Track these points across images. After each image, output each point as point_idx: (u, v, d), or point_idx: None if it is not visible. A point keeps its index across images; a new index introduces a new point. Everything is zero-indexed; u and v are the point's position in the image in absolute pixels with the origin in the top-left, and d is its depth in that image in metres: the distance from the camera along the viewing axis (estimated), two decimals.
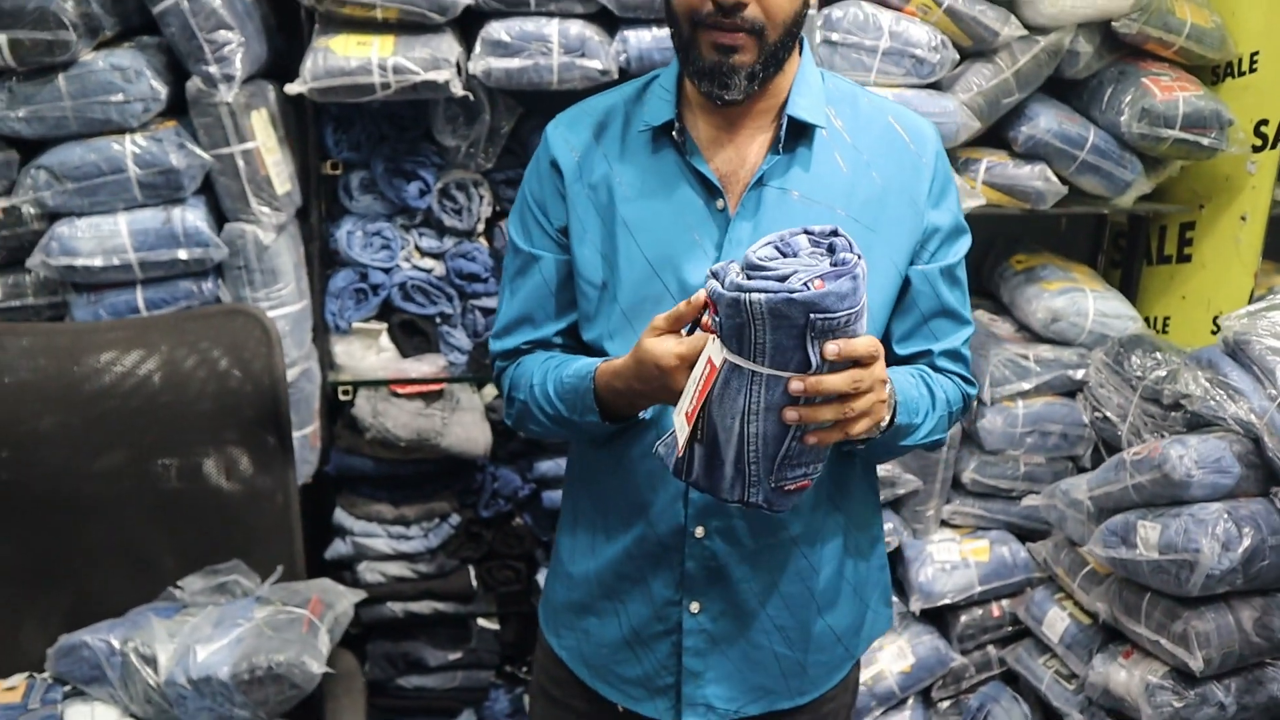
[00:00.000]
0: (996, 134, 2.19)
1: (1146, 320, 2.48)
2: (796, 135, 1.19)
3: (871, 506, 1.34)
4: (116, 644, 1.46)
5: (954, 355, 1.26)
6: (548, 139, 1.27)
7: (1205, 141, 2.14)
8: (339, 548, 2.12)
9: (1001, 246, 2.51)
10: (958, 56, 2.03)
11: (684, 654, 1.25)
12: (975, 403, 2.20)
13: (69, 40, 1.60)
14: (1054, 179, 2.14)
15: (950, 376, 1.26)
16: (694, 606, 1.25)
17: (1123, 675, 1.89)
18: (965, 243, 1.27)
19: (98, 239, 1.70)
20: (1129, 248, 2.53)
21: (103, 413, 1.63)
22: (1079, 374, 2.23)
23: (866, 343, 0.94)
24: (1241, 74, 2.25)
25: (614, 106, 1.26)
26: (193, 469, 1.68)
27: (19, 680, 1.49)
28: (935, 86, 2.07)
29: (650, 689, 1.28)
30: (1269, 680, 1.78)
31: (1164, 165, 2.27)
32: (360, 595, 1.69)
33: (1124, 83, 2.15)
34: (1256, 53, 2.22)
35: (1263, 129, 2.21)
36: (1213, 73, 2.31)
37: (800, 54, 1.21)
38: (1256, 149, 2.22)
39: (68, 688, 1.50)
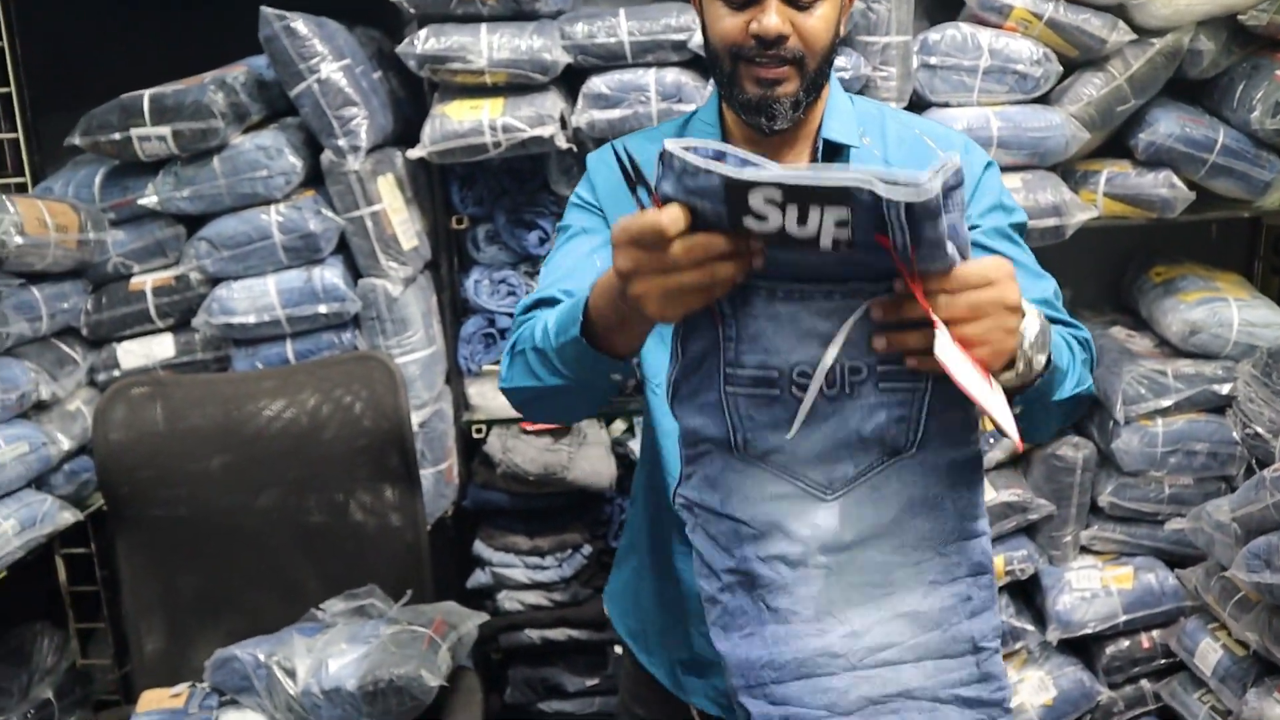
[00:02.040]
0: (1121, 143, 2.13)
1: None
2: (831, 156, 1.23)
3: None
4: (262, 657, 1.63)
5: (1045, 304, 1.16)
6: (589, 169, 1.30)
7: None
8: (479, 577, 2.26)
9: (1142, 258, 2.40)
10: (1061, 69, 1.99)
11: None
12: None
13: (219, 128, 1.84)
14: (1180, 185, 2.05)
15: (1067, 326, 1.16)
16: None
17: (1276, 710, 1.76)
18: (1017, 216, 1.23)
19: (250, 299, 1.92)
20: None
21: (259, 453, 1.84)
22: (1225, 388, 2.10)
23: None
24: None
25: (654, 139, 1.31)
26: (334, 503, 1.86)
27: (183, 689, 1.69)
28: (1043, 100, 2.03)
29: (715, 688, 1.30)
30: None
31: None
32: (482, 617, 1.80)
33: (1256, 77, 2.04)
34: None
35: None
36: None
37: (832, 83, 1.25)
38: None
39: (225, 696, 1.68)
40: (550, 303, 1.18)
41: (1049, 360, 0.94)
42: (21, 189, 2.08)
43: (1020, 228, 1.24)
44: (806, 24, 1.13)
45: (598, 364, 1.03)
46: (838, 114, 1.23)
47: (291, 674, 1.61)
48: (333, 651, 1.62)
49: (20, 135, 2.08)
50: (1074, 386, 1.08)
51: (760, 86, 1.16)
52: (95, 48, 2.17)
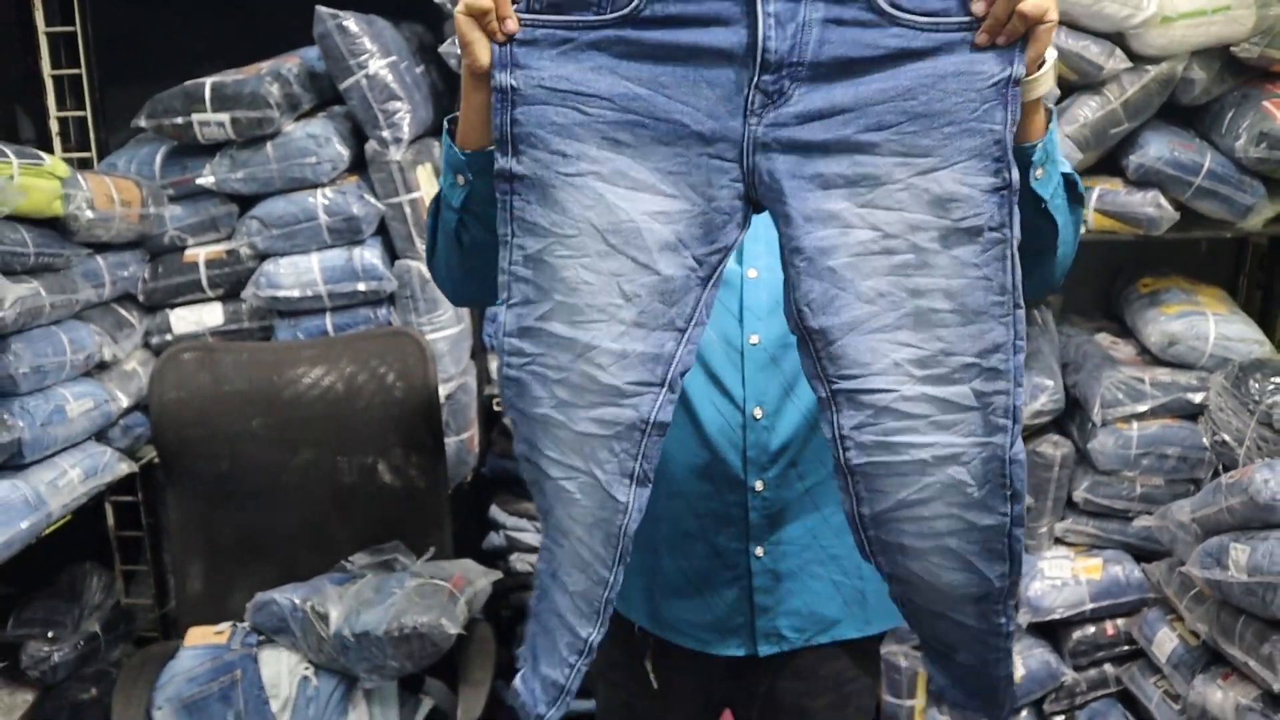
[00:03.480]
0: (1113, 162, 2.25)
1: None
2: None
3: None
4: (298, 601, 1.81)
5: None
6: None
7: None
8: (494, 540, 2.43)
9: (1132, 270, 2.53)
10: (1059, 92, 2.11)
11: (754, 593, 1.37)
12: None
13: (274, 117, 1.99)
14: (1166, 206, 2.18)
15: None
16: (759, 551, 1.36)
17: (1219, 696, 1.92)
18: None
19: (296, 274, 2.09)
20: (1270, 270, 2.49)
21: (298, 416, 2.00)
22: (1198, 398, 2.24)
23: None
24: None
25: None
26: (364, 465, 2.03)
27: (225, 627, 1.87)
28: None
29: (723, 630, 1.39)
30: None
31: None
32: (495, 575, 1.97)
33: (1244, 106, 2.16)
34: None
35: None
36: None
37: None
38: None
39: (263, 636, 1.86)
40: None
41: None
42: (87, 164, 2.24)
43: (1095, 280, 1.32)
44: None
45: (471, 162, 1.10)
46: None
47: (325, 618, 1.78)
48: (362, 600, 1.79)
49: (89, 114, 2.24)
50: (1057, 186, 1.15)
51: None
52: (157, 30, 2.33)
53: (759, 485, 1.34)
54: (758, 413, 1.33)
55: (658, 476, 1.37)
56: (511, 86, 1.00)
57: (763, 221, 1.16)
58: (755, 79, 0.97)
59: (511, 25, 0.99)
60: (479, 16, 0.98)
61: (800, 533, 1.36)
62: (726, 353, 1.34)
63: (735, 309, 1.34)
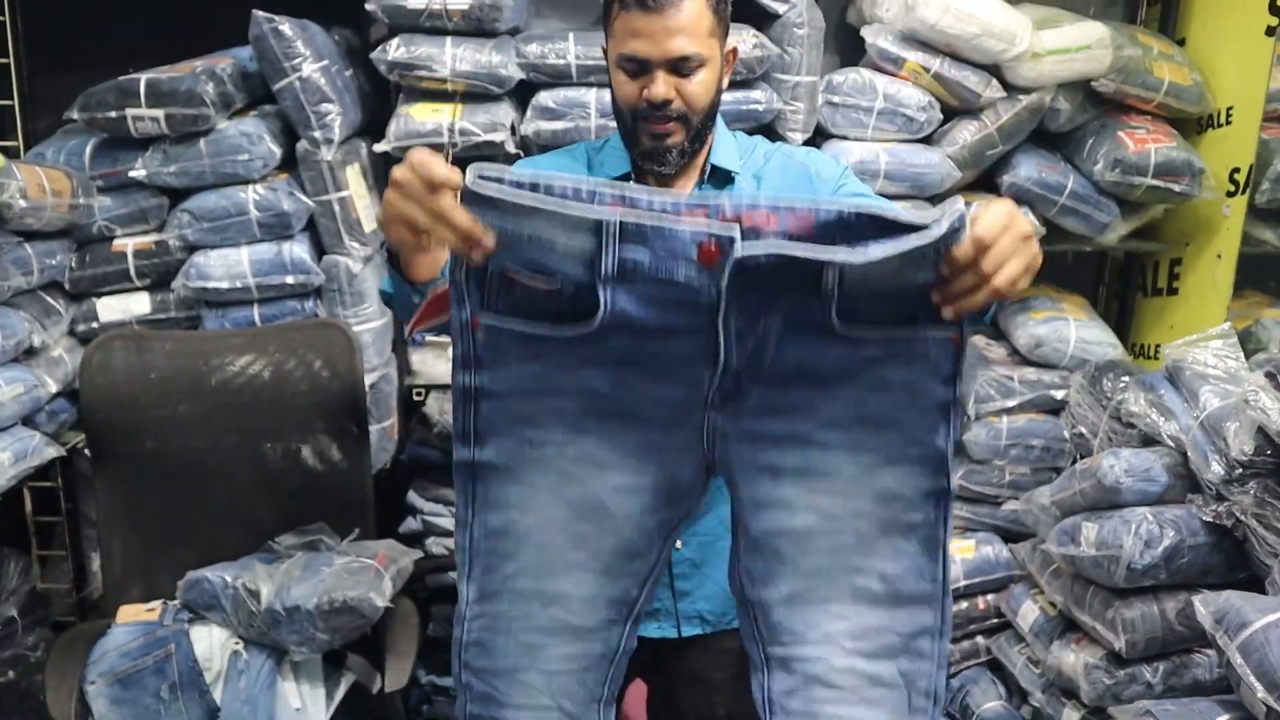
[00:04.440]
0: (989, 180, 2.49)
1: (1140, 348, 2.72)
2: (721, 181, 1.51)
3: None
4: (229, 579, 1.88)
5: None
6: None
7: (1177, 188, 2.38)
8: (410, 524, 2.53)
9: None
10: (942, 115, 2.33)
11: (675, 580, 1.54)
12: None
13: (209, 114, 2.06)
14: (1034, 221, 2.42)
15: None
16: (679, 544, 1.52)
17: (1071, 659, 2.15)
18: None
19: (225, 266, 2.15)
20: (1125, 281, 2.77)
21: (224, 403, 2.07)
22: (1060, 394, 2.49)
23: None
24: (1219, 126, 2.49)
25: (577, 157, 1.58)
26: (290, 450, 2.11)
27: (156, 605, 1.93)
28: (926, 141, 2.38)
29: (650, 614, 1.54)
30: (1194, 665, 2.02)
31: (1145, 208, 2.51)
32: (417, 554, 2.08)
33: (1102, 135, 2.42)
34: (1231, 107, 2.45)
35: (1235, 176, 2.43)
36: (1196, 124, 2.55)
37: (716, 120, 1.50)
38: (1230, 194, 2.45)
39: (193, 614, 1.93)
40: None
41: None
42: (14, 153, 2.26)
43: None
44: (688, 89, 1.39)
45: (401, 285, 1.22)
46: (723, 147, 1.52)
47: (256, 594, 1.86)
48: (292, 577, 1.88)
49: (16, 103, 2.26)
50: None
51: (653, 139, 1.44)
52: (84, 22, 2.36)
53: None
54: None
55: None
56: (476, 387, 1.05)
57: None
58: (716, 382, 1.05)
59: (482, 252, 1.01)
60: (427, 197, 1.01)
61: (714, 524, 1.51)
62: None
63: None
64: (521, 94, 2.29)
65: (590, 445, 1.07)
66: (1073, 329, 2.50)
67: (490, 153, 2.22)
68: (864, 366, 1.05)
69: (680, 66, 1.38)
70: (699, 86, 1.40)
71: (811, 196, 1.26)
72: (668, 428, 1.08)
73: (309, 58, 2.07)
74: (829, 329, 1.02)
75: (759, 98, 2.23)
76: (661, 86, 1.39)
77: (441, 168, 1.02)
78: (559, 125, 2.22)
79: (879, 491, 1.08)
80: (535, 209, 0.99)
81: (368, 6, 2.14)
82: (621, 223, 0.99)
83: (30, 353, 2.06)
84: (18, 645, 2.25)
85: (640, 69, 1.40)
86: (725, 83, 1.47)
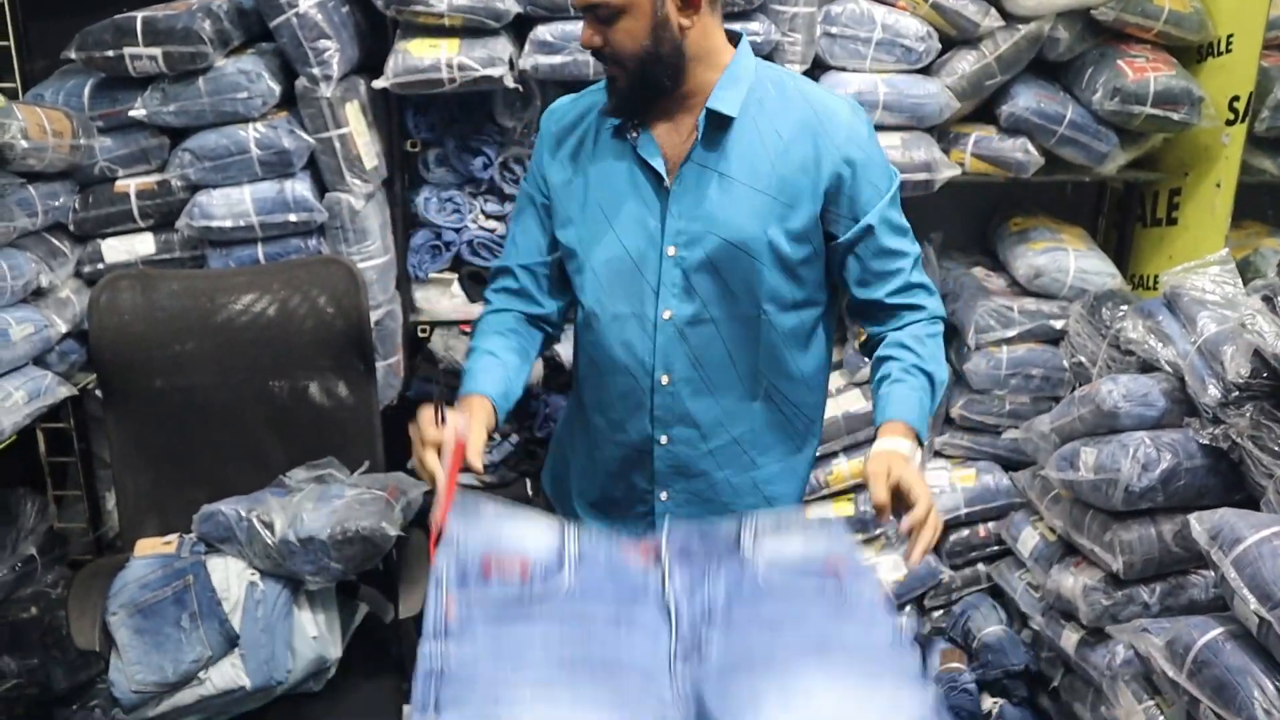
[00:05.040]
0: (988, 110, 2.48)
1: (1140, 278, 2.74)
2: (720, 125, 1.48)
3: (804, 416, 1.67)
4: (243, 512, 1.91)
5: (907, 287, 1.55)
6: (540, 130, 1.65)
7: (1176, 117, 2.38)
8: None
9: (1005, 210, 2.79)
10: (940, 46, 2.32)
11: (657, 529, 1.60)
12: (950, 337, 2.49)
13: (207, 52, 2.06)
14: (1033, 151, 2.42)
15: (915, 310, 1.55)
16: (663, 495, 1.63)
17: (1070, 582, 2.19)
18: (895, 180, 1.53)
19: (228, 205, 2.16)
20: (1124, 211, 2.78)
21: (231, 340, 2.09)
22: (1060, 324, 2.51)
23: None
24: (1219, 54, 2.48)
25: (595, 103, 1.60)
26: (298, 387, 2.13)
27: (173, 538, 1.97)
28: (925, 71, 2.37)
29: None
30: (1190, 586, 2.07)
31: (1145, 138, 2.51)
32: (425, 486, 2.10)
33: (1101, 64, 2.41)
34: (1232, 35, 2.44)
35: (1235, 104, 2.43)
36: (1197, 53, 2.53)
37: (737, 54, 1.50)
38: (1230, 122, 2.45)
39: (208, 546, 1.97)
40: (507, 273, 1.65)
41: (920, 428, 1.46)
42: (13, 95, 2.26)
43: (899, 189, 1.55)
44: (611, 36, 1.43)
45: None
46: (731, 85, 1.48)
47: (270, 526, 1.89)
48: (304, 508, 1.91)
49: (12, 44, 2.25)
50: (935, 399, 1.53)
51: (606, 81, 1.52)
52: None
53: (664, 440, 1.59)
54: (664, 379, 1.55)
55: (585, 421, 1.65)
56: (441, 667, 1.09)
57: (687, 195, 1.45)
58: (674, 639, 1.17)
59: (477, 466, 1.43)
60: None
61: (703, 486, 1.62)
62: (642, 324, 1.54)
63: (654, 284, 1.53)
64: (519, 29, 2.28)
65: (560, 704, 1.09)
66: (1072, 259, 2.52)
67: (489, 88, 2.22)
68: (799, 605, 1.20)
69: (596, 13, 1.42)
70: (620, 34, 1.42)
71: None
72: (638, 673, 1.14)
73: None
74: (756, 583, 1.20)
75: (757, 29, 2.23)
76: (585, 33, 1.47)
77: (429, 430, 1.40)
78: (557, 59, 2.21)
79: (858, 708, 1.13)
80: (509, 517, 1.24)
81: None
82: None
83: (38, 294, 2.08)
84: (38, 582, 2.30)
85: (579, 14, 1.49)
86: (686, 23, 1.43)
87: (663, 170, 1.50)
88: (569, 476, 1.78)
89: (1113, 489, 2.01)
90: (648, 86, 1.46)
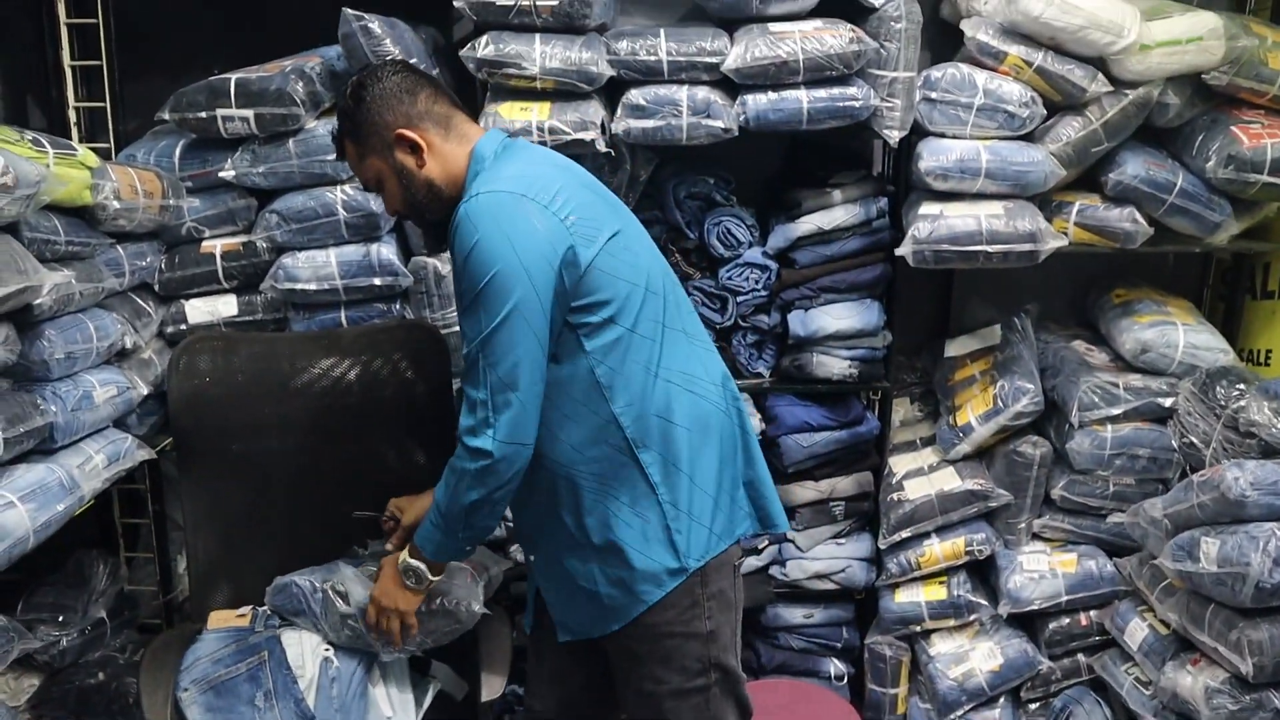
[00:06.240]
0: (1092, 178, 2.39)
1: (1250, 354, 2.60)
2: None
3: (582, 530, 1.61)
4: (317, 583, 1.85)
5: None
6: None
7: None
8: (495, 531, 2.49)
9: (1105, 281, 2.67)
10: (1045, 111, 2.24)
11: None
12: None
13: (299, 113, 2.04)
14: (1141, 221, 2.31)
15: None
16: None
17: (1189, 680, 2.04)
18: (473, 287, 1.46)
19: (313, 268, 2.14)
20: (1232, 283, 2.65)
21: (309, 405, 2.05)
22: (1168, 402, 2.37)
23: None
24: None
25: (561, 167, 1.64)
26: (377, 453, 2.08)
27: (246, 610, 1.91)
28: (1028, 138, 2.29)
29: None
30: None
31: (1258, 207, 2.39)
32: (507, 563, 2.04)
33: (1214, 130, 2.30)
34: None
35: None
36: None
37: (471, 164, 1.57)
38: None
39: (282, 620, 1.90)
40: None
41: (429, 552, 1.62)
42: (106, 154, 2.27)
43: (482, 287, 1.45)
44: (387, 201, 1.63)
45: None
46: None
47: (344, 596, 1.82)
48: None
49: (108, 104, 2.27)
50: (446, 521, 1.59)
51: None
52: (176, 23, 2.37)
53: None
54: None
55: None
56: None
57: None
58: None
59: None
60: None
61: (540, 568, 1.74)
62: None
63: None
64: (611, 92, 2.24)
65: None
66: (1180, 333, 2.39)
67: (580, 150, 2.17)
68: None
69: (369, 188, 1.66)
70: (388, 199, 1.64)
71: None
72: None
73: (397, 55, 2.05)
74: None
75: (855, 94, 2.16)
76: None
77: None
78: (649, 123, 2.17)
79: None
80: None
81: (455, 3, 2.12)
82: None
83: (122, 355, 2.05)
84: (107, 646, 2.24)
85: None
86: (420, 163, 1.58)
87: None
88: None
89: (1240, 584, 1.87)
90: (430, 219, 1.63)
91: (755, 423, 2.45)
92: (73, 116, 2.28)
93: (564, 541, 1.63)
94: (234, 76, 2.06)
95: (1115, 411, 2.37)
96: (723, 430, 1.63)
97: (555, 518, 1.62)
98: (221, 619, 1.90)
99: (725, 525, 1.63)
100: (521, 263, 1.41)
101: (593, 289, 1.48)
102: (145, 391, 2.07)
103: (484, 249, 1.42)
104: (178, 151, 2.16)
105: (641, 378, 1.54)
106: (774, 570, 2.55)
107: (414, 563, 1.65)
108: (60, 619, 2.12)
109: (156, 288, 2.19)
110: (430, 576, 1.66)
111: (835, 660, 2.61)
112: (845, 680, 2.61)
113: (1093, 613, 2.46)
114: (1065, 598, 2.42)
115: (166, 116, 2.09)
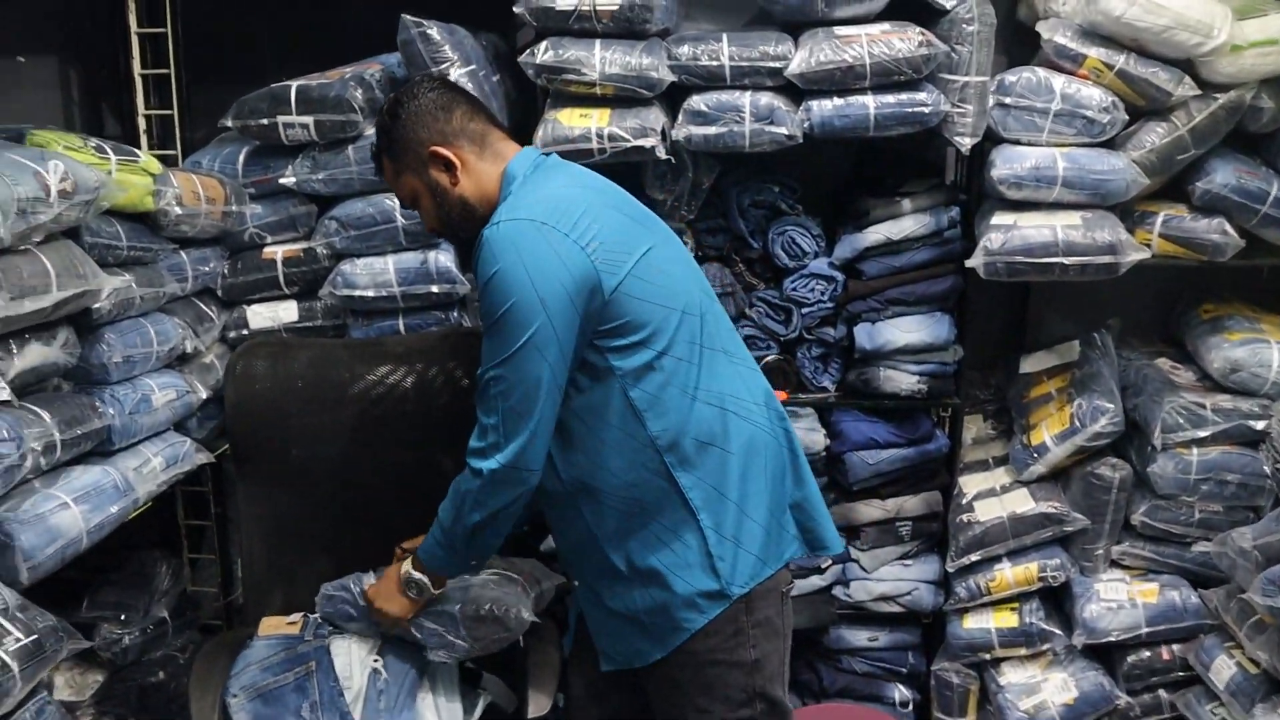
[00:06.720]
0: (1178, 186, 2.26)
1: None
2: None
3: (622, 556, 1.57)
4: (366, 586, 1.84)
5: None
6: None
7: None
8: (550, 543, 2.46)
9: (1192, 295, 2.54)
10: (1127, 117, 2.13)
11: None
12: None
13: (357, 120, 2.05)
14: (1232, 232, 2.19)
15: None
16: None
17: None
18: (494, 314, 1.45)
19: (371, 275, 2.14)
20: None
21: (365, 411, 2.05)
22: (1260, 425, 2.23)
23: None
24: None
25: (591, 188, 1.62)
26: (432, 461, 2.06)
27: (297, 618, 1.91)
28: (1109, 144, 2.18)
29: None
30: None
31: None
32: (560, 579, 2.00)
33: None
34: None
35: None
36: None
37: (504, 181, 1.57)
38: None
39: (333, 628, 1.90)
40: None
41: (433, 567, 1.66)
42: (172, 161, 2.31)
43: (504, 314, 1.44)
44: (424, 217, 1.65)
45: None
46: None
47: None
48: None
49: (175, 112, 2.31)
50: (449, 539, 1.61)
51: None
52: (243, 31, 2.40)
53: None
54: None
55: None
56: None
57: None
58: None
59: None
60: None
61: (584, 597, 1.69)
62: None
63: None
64: (672, 98, 2.20)
65: None
66: (1274, 352, 2.26)
67: (639, 159, 2.14)
68: None
69: (405, 205, 1.68)
70: (424, 216, 1.65)
71: None
72: None
73: (456, 62, 2.04)
74: None
75: (925, 99, 2.09)
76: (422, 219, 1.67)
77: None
78: (711, 130, 2.12)
79: None
80: None
81: (515, 9, 2.10)
82: None
83: (184, 359, 2.07)
84: (168, 646, 2.28)
85: None
86: (454, 180, 1.58)
87: None
88: None
89: None
90: (463, 236, 1.61)
91: (819, 438, 2.38)
92: (142, 124, 2.32)
93: (605, 570, 1.59)
94: (295, 83, 2.07)
95: (1202, 434, 2.24)
96: (769, 452, 1.57)
97: (595, 546, 1.58)
98: (272, 625, 1.90)
99: (773, 550, 1.57)
100: (538, 294, 1.40)
101: (620, 314, 1.46)
102: (205, 395, 2.09)
103: (502, 279, 1.42)
104: (241, 158, 2.18)
105: (679, 401, 1.50)
106: (837, 591, 2.48)
107: (417, 575, 1.69)
108: (123, 617, 2.15)
109: (220, 293, 2.21)
110: (432, 590, 1.70)
111: (900, 686, 2.52)
112: (910, 707, 2.51)
113: (1175, 646, 2.32)
114: (1145, 629, 2.29)
115: (230, 123, 2.11)
